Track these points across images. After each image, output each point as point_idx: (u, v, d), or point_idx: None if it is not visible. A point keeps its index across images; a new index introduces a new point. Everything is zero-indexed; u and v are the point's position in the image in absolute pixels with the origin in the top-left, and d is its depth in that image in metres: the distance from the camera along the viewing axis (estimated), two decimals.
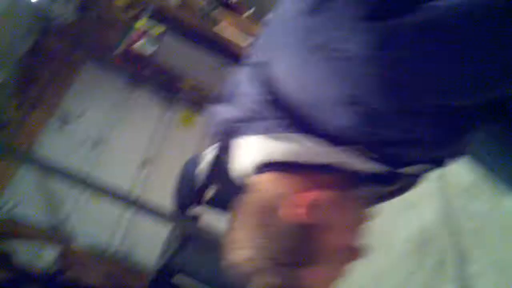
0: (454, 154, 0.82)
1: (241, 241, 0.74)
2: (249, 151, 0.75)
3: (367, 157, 0.70)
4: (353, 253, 0.75)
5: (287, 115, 0.68)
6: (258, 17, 3.59)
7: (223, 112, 0.78)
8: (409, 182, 0.83)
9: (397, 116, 0.64)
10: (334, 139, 0.68)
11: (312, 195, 0.71)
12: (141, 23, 4.03)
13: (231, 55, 3.75)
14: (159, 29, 3.99)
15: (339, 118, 0.65)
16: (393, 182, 0.79)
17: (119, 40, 4.04)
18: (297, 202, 0.71)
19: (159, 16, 4.02)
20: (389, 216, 1.98)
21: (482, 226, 1.63)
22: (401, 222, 2.03)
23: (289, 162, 0.72)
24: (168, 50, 3.89)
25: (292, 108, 0.67)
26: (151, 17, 4.04)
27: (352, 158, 0.70)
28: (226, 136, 0.78)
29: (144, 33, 4.02)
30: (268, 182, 0.75)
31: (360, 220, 0.77)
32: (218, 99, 0.80)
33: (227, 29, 3.72)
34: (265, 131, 0.70)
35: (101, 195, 2.93)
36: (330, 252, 0.72)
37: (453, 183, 1.79)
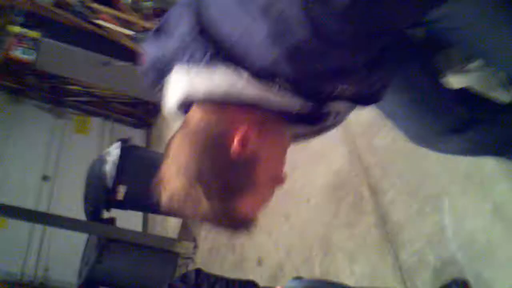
0: (377, 91, 0.87)
1: (174, 175, 0.75)
2: (177, 87, 0.76)
3: (292, 92, 0.73)
4: (279, 180, 0.81)
5: (215, 47, 0.69)
6: (135, 4, 3.46)
7: (154, 49, 0.79)
8: (331, 122, 0.87)
9: (326, 47, 0.68)
10: (260, 75, 0.70)
11: (243, 130, 0.74)
12: (16, 29, 3.76)
13: (115, 48, 3.61)
14: (36, 33, 3.75)
15: (267, 53, 0.68)
16: (316, 123, 0.84)
17: None
18: (229, 137, 0.74)
19: (34, 19, 3.76)
20: (303, 171, 2.14)
21: (386, 158, 1.77)
22: (315, 174, 2.13)
23: (217, 98, 0.73)
24: (49, 54, 3.67)
25: (220, 41, 0.69)
26: (26, 22, 3.76)
27: (277, 93, 0.73)
28: (157, 74, 0.80)
29: (21, 39, 3.76)
30: (198, 118, 0.76)
31: (285, 151, 0.83)
32: (150, 38, 0.80)
33: (106, 22, 3.57)
34: (192, 63, 0.71)
35: (5, 217, 2.73)
36: (260, 182, 0.77)
37: (354, 123, 1.91)
